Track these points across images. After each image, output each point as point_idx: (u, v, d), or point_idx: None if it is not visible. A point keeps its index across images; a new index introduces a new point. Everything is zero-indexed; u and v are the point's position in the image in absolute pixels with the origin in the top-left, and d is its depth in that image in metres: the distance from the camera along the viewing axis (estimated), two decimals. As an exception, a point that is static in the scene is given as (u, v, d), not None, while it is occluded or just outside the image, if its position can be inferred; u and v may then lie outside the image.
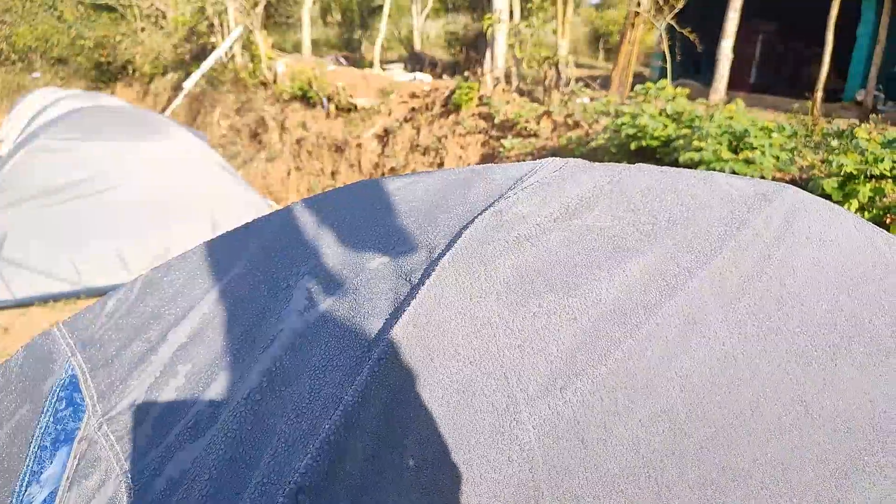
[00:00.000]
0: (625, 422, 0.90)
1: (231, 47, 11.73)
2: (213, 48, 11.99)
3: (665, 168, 1.33)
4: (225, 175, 6.09)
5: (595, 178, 1.21)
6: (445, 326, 0.85)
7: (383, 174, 9.09)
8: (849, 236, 1.32)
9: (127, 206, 5.29)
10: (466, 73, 8.60)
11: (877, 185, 3.85)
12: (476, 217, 1.00)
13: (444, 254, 0.93)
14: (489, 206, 1.08)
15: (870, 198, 3.83)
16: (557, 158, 1.29)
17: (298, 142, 10.33)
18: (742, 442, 0.98)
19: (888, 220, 3.85)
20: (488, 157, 7.54)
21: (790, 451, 1.02)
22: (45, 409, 1.09)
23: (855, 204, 3.84)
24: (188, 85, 11.74)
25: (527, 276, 0.96)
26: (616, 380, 0.93)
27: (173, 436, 0.94)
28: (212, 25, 12.31)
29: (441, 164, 8.14)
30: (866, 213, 3.86)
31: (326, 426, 0.72)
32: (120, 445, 0.98)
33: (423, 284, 0.88)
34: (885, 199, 3.94)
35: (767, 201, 1.28)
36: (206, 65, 11.63)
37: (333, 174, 9.98)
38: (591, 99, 7.20)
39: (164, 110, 12.20)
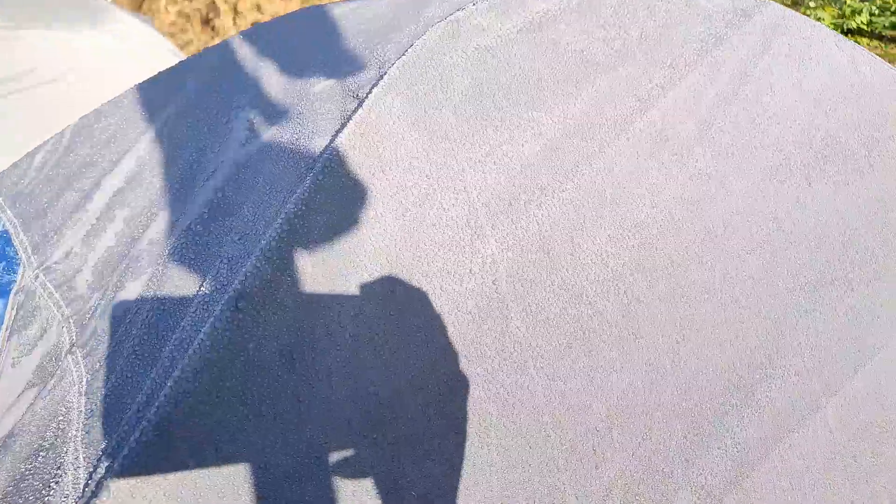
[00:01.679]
0: (592, 236, 0.86)
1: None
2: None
3: (638, -16, 1.21)
4: (173, 59, 5.72)
5: (561, -7, 1.10)
6: (397, 138, 0.77)
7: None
8: (829, 55, 1.24)
9: (70, 101, 4.97)
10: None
11: (854, 40, 3.73)
12: (430, 27, 0.90)
13: (394, 64, 0.83)
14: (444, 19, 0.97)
15: (846, 53, 3.73)
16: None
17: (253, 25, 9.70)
18: (713, 257, 0.95)
19: (862, 77, 3.78)
20: None
21: (761, 267, 1.00)
22: (-22, 265, 1.02)
23: (830, 60, 3.74)
24: (126, -32, 10.77)
25: (487, 89, 0.88)
26: (584, 195, 0.87)
27: (115, 277, 0.88)
28: None
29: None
30: (840, 69, 3.77)
31: (268, 235, 0.66)
32: (60, 293, 0.91)
33: (370, 93, 0.79)
34: (860, 55, 3.85)
35: (747, 17, 1.18)
36: (144, -56, 10.60)
37: (293, 62, 9.49)
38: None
39: (104, -3, 11.24)
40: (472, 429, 0.70)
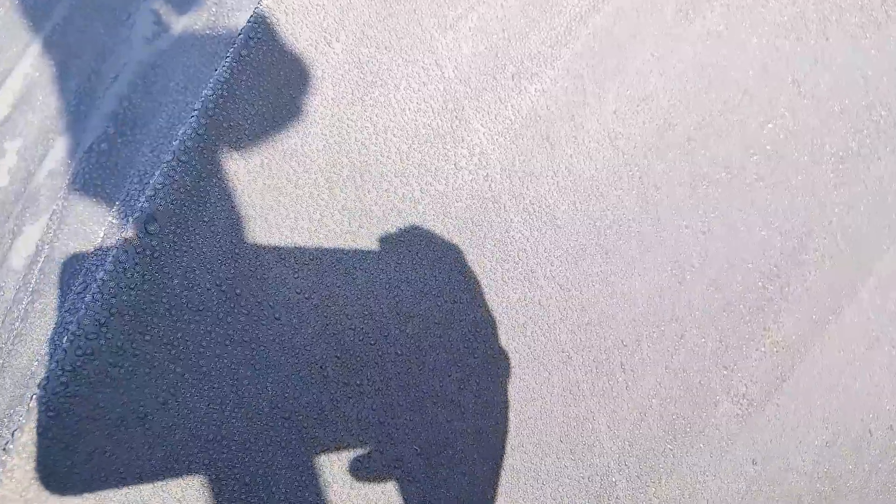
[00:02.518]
0: (597, 112, 0.70)
1: None
2: None
3: None
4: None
5: None
6: (342, 1, 0.59)
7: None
8: None
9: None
10: None
11: None
12: None
13: None
14: None
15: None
16: None
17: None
18: (734, 129, 0.81)
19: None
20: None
21: (784, 139, 0.85)
22: None
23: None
24: None
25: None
26: (582, 62, 0.71)
27: (12, 222, 0.70)
28: None
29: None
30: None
31: (181, 134, 0.49)
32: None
33: (301, -55, 0.59)
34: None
35: None
36: None
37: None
38: None
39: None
40: (475, 360, 0.56)
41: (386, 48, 0.60)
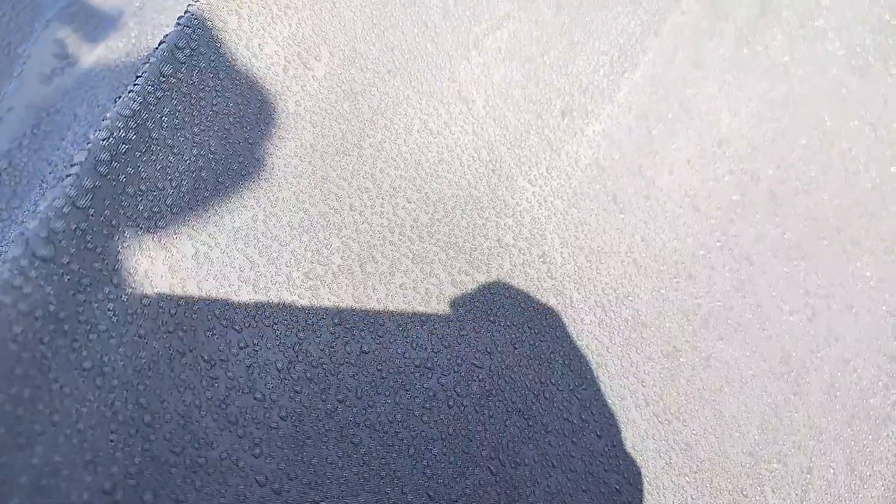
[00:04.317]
0: (669, 163, 0.51)
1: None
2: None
3: None
4: None
5: None
6: (321, 3, 0.39)
7: None
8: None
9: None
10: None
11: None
12: None
13: None
14: None
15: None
16: None
17: None
18: (818, 182, 0.64)
19: None
20: None
21: (872, 191, 0.69)
22: None
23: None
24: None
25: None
26: (644, 98, 0.53)
27: None
28: None
29: None
30: None
31: (46, 206, 0.27)
32: None
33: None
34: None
35: None
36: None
37: None
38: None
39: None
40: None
41: (388, 72, 0.40)
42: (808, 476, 0.49)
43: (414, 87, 0.41)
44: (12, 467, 0.23)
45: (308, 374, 0.31)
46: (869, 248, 0.64)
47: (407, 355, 0.34)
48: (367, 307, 0.33)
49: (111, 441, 0.25)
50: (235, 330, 0.30)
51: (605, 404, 0.40)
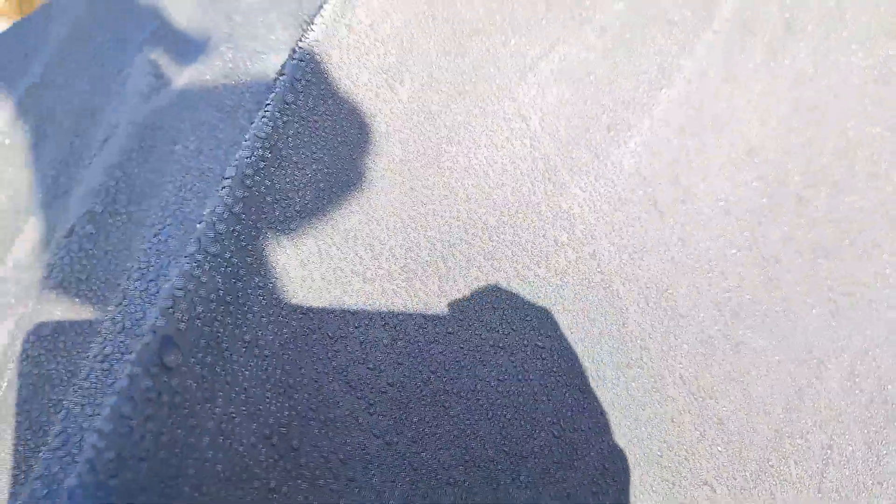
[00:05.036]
0: (703, 171, 0.57)
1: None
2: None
3: None
4: None
5: None
6: (404, 36, 0.46)
7: None
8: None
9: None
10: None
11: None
12: None
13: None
14: None
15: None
16: None
17: None
18: (842, 186, 0.69)
19: None
20: None
21: (894, 193, 0.74)
22: None
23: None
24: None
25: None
26: (680, 112, 0.59)
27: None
28: None
29: None
30: None
31: (206, 215, 0.34)
32: None
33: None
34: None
35: None
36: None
37: None
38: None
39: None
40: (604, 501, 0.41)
41: (459, 94, 0.47)
42: (829, 452, 0.55)
43: (480, 107, 0.48)
44: (202, 416, 0.30)
45: (407, 349, 0.37)
46: (889, 250, 0.69)
47: (482, 336, 0.40)
48: (450, 296, 0.40)
49: (266, 399, 0.32)
50: (350, 312, 0.36)
51: (647, 382, 0.46)
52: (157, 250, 0.40)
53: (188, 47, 0.61)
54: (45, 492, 0.32)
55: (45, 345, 0.44)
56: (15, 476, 0.39)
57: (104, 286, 0.44)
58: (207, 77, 0.54)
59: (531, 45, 0.53)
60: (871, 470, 0.57)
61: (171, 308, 0.30)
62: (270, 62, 0.46)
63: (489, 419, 0.38)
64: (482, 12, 0.52)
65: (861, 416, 0.58)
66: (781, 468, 0.51)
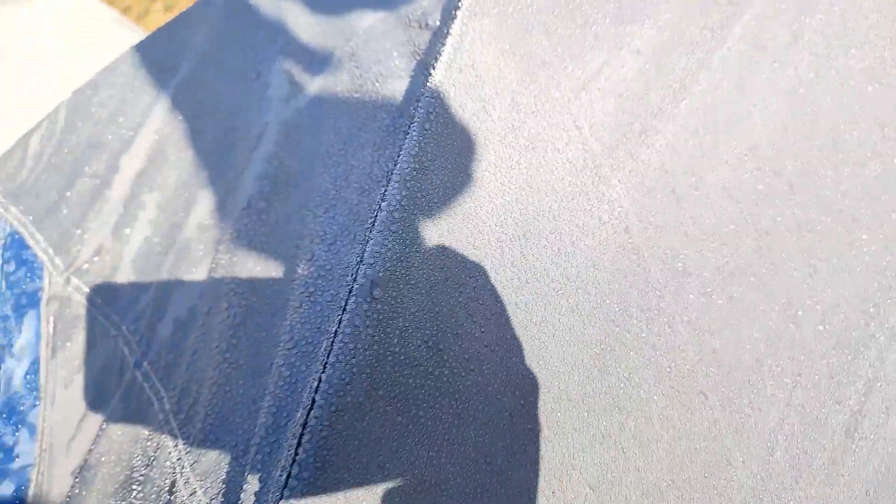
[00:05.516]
0: (713, 164, 0.74)
1: None
2: None
3: None
4: (124, 32, 5.30)
5: None
6: (494, 71, 0.64)
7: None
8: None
9: (16, 82, 4.61)
10: None
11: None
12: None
13: (470, -17, 0.69)
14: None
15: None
16: None
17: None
18: (830, 174, 0.85)
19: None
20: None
21: (876, 180, 0.90)
22: (-9, 275, 0.87)
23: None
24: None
25: (574, 2, 0.74)
26: (697, 118, 0.76)
27: (165, 272, 0.75)
28: None
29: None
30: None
31: (385, 203, 0.54)
32: (100, 297, 0.78)
33: (452, 22, 0.65)
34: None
35: None
36: None
37: None
38: None
39: (30, -31, 10.42)
40: (633, 404, 0.60)
41: (532, 113, 0.65)
42: (798, 378, 0.73)
43: (547, 120, 0.66)
44: (393, 325, 0.50)
45: (492, 320, 0.57)
46: (866, 225, 0.86)
47: (552, 288, 0.60)
48: (529, 259, 0.59)
49: (424, 316, 0.52)
50: (472, 295, 0.56)
51: (662, 320, 0.65)
52: (331, 224, 0.60)
53: (315, 60, 0.80)
54: (290, 391, 0.53)
55: (242, 288, 0.65)
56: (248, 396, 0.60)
57: (282, 242, 0.64)
58: (338, 88, 0.73)
59: (584, 69, 0.71)
60: (832, 393, 0.76)
61: (374, 264, 0.49)
62: (395, 86, 0.64)
63: (561, 346, 0.58)
64: (547, 46, 0.70)
65: (827, 354, 0.76)
66: (759, 386, 0.70)
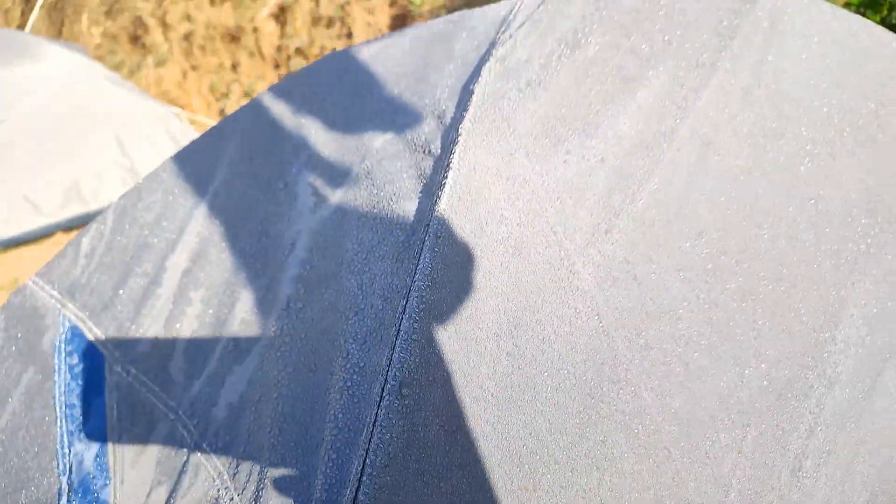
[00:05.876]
0: (667, 251, 0.90)
1: (78, -62, 10.11)
2: (58, -58, 10.30)
3: (644, -14, 1.25)
4: (117, 89, 5.47)
5: (581, 7, 1.13)
6: (486, 193, 0.80)
7: (288, 57, 8.42)
8: (830, 28, 1.29)
9: (17, 142, 4.77)
10: (355, -73, 7.78)
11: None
12: (481, 69, 0.92)
13: (461, 116, 0.86)
14: (486, 54, 0.99)
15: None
16: (534, -7, 1.18)
17: (187, 38, 9.36)
18: (769, 249, 1.01)
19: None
20: (399, 19, 7.06)
21: (808, 250, 1.06)
22: (56, 367, 1.01)
23: None
24: (41, -8, 10.20)
25: (547, 123, 0.91)
26: (652, 213, 0.92)
27: (214, 362, 0.89)
28: (48, -86, 10.47)
29: (349, 35, 7.58)
30: None
31: (406, 317, 0.69)
32: (157, 385, 0.92)
33: (452, 153, 0.81)
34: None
35: (752, 3, 1.23)
36: (56, -36, 10.06)
37: (234, 67, 9.18)
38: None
39: (21, 27, 10.68)
40: (608, 463, 0.75)
41: (517, 224, 0.81)
42: (748, 428, 0.88)
43: (529, 230, 0.82)
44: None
45: (493, 402, 0.72)
46: (802, 289, 1.02)
47: (538, 380, 0.75)
48: (516, 356, 0.74)
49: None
50: (477, 383, 0.71)
51: (631, 393, 0.80)
52: (361, 325, 0.74)
53: (336, 175, 0.96)
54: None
55: (289, 380, 0.79)
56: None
57: (319, 339, 0.79)
58: (358, 203, 0.88)
59: (557, 181, 0.87)
60: (777, 440, 0.91)
61: (401, 367, 0.64)
62: (406, 206, 0.79)
63: (548, 419, 0.73)
64: (527, 166, 0.86)
65: (771, 406, 0.91)
66: (714, 438, 0.84)
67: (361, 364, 0.71)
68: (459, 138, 0.82)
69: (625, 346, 0.81)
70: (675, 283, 0.89)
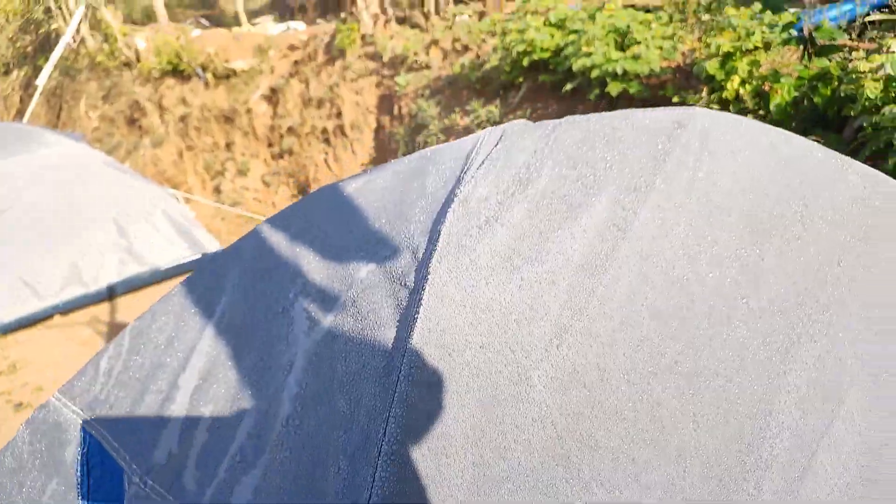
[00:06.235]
0: (612, 358, 1.05)
1: (78, 29, 10.66)
2: (58, 35, 10.86)
3: (590, 116, 1.45)
4: (115, 173, 5.70)
5: (534, 141, 1.32)
6: (452, 321, 0.95)
7: (281, 136, 8.78)
8: (755, 143, 1.49)
9: (19, 228, 4.94)
10: (343, 15, 8.29)
11: (752, 59, 4.15)
12: (447, 210, 1.09)
13: (430, 254, 1.02)
14: (451, 193, 1.17)
15: (748, 71, 4.14)
16: (495, 127, 1.38)
17: (182, 119, 9.72)
18: (706, 347, 1.16)
19: (766, 88, 4.18)
20: (386, 99, 7.44)
21: (743, 345, 1.21)
22: (79, 478, 1.14)
23: (737, 80, 4.13)
24: (41, 81, 10.64)
25: (504, 255, 1.08)
26: (598, 325, 1.08)
27: (223, 472, 1.02)
28: (49, 10, 11.06)
29: (339, 115, 7.94)
30: (748, 85, 4.17)
31: (385, 440, 0.83)
32: (173, 494, 1.05)
33: (423, 289, 0.97)
34: (761, 70, 4.25)
35: (682, 127, 1.43)
36: (56, 54, 10.53)
37: (228, 146, 9.52)
38: (472, 15, 7.14)
39: (20, 115, 11.08)
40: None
41: (480, 347, 0.96)
42: None
43: (490, 350, 0.97)
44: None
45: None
46: (737, 382, 1.17)
47: (504, 485, 0.89)
48: (485, 470, 0.88)
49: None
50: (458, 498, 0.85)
51: (582, 490, 0.94)
52: (349, 442, 0.88)
53: (327, 300, 1.11)
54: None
55: (287, 487, 0.93)
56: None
57: (315, 453, 0.93)
58: (345, 328, 1.03)
59: (513, 304, 1.03)
60: None
61: (383, 485, 0.79)
62: (386, 334, 0.95)
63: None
64: (486, 292, 1.02)
65: (713, 492, 1.05)
66: None
67: (350, 478, 0.85)
68: (429, 275, 0.99)
69: (576, 447, 0.95)
70: (621, 386, 1.04)
